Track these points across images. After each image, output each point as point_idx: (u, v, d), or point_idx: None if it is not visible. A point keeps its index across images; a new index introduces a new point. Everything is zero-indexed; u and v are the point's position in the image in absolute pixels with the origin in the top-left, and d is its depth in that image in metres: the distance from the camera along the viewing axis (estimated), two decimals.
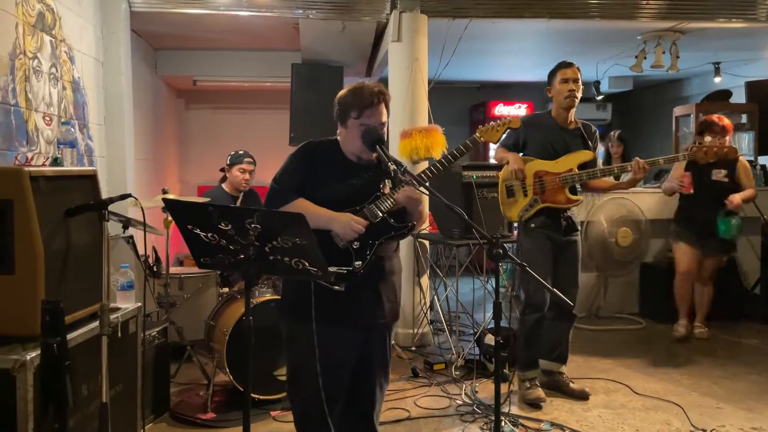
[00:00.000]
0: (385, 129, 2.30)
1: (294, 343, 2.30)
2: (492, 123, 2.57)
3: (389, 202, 2.24)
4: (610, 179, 3.84)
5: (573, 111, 3.73)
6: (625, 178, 3.84)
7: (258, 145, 5.95)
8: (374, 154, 2.27)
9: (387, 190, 2.28)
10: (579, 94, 3.67)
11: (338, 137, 2.35)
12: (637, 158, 3.53)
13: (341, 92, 2.31)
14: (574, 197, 3.65)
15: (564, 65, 3.70)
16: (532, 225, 3.67)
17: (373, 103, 2.22)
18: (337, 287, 2.17)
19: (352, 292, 2.21)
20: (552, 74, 3.74)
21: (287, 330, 2.34)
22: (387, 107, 2.28)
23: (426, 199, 4.90)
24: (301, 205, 2.20)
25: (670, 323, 5.33)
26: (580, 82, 3.68)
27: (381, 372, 2.39)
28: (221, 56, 6.79)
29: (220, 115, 8.02)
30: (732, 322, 5.45)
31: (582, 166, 3.65)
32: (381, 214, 2.23)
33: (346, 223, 2.17)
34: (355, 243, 2.21)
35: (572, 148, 3.67)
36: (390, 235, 2.28)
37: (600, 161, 3.82)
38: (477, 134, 2.53)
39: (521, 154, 3.77)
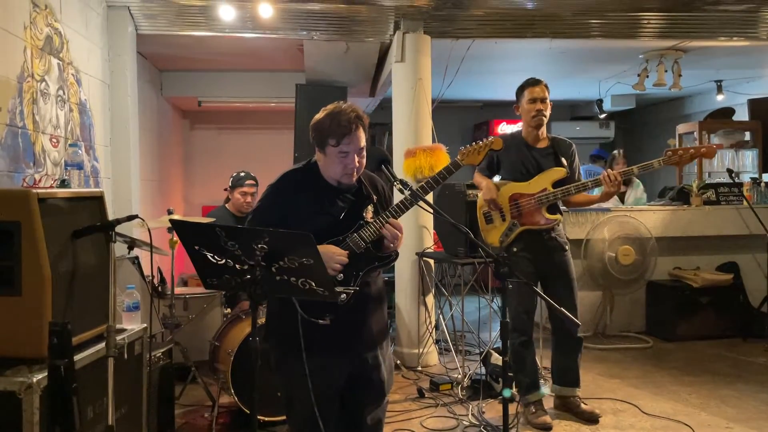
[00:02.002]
0: (365, 151, 2.25)
1: (285, 376, 2.28)
2: (473, 144, 2.40)
3: (372, 231, 2.20)
4: (588, 194, 3.74)
5: (543, 129, 3.68)
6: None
7: (262, 166, 5.97)
8: (354, 179, 2.26)
9: (369, 216, 2.25)
10: (547, 113, 3.63)
11: (317, 161, 2.30)
12: (608, 170, 3.48)
13: (317, 117, 2.24)
14: (552, 216, 3.58)
15: (531, 83, 3.65)
16: (515, 249, 3.60)
17: (351, 130, 2.17)
18: (322, 321, 2.16)
19: (339, 321, 2.19)
20: (519, 92, 3.69)
21: (277, 362, 2.30)
22: (365, 130, 2.23)
23: (430, 219, 4.94)
24: None
25: (677, 342, 5.31)
26: (548, 100, 3.63)
27: (375, 393, 2.37)
28: (226, 77, 6.86)
29: (224, 136, 8.07)
30: (739, 340, 5.42)
31: (559, 183, 3.57)
32: (365, 244, 2.20)
33: (328, 257, 2.10)
34: (340, 275, 2.18)
35: (544, 167, 3.61)
36: (374, 266, 2.27)
37: (580, 175, 3.75)
38: (459, 157, 2.40)
39: (498, 176, 3.73)
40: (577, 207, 3.82)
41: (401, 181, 2.26)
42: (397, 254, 2.28)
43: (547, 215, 3.58)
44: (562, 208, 3.81)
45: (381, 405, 2.40)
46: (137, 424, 2.70)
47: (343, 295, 2.16)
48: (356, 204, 2.28)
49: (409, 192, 2.24)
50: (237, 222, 4.54)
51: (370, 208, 2.28)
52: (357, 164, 2.22)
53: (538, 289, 3.57)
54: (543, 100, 3.60)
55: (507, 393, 2.09)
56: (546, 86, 3.64)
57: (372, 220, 2.23)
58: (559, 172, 3.59)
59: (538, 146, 3.68)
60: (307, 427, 2.20)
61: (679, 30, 5.30)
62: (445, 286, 5.19)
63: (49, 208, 2.15)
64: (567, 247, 3.70)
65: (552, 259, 3.63)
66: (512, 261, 3.53)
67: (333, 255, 2.14)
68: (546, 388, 3.80)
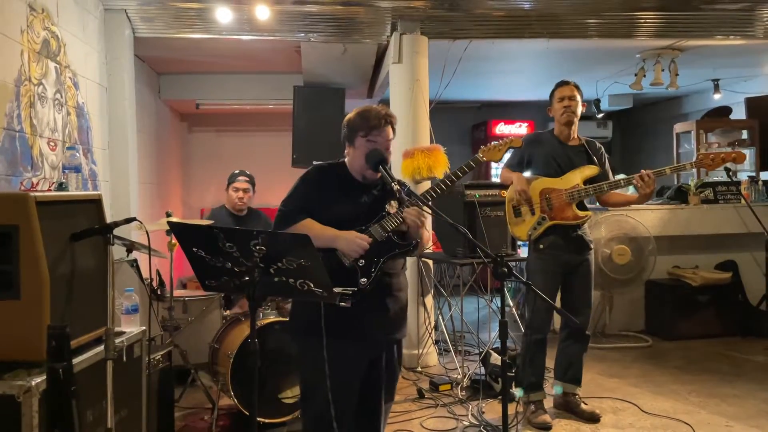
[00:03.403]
0: (391, 149, 2.39)
1: (305, 361, 2.35)
2: (494, 143, 2.65)
3: (395, 222, 2.29)
4: (625, 193, 3.81)
5: (575, 128, 3.74)
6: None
7: (261, 167, 5.99)
8: (378, 174, 2.34)
9: (393, 210, 2.34)
10: (577, 110, 3.69)
11: (345, 158, 2.44)
12: (642, 170, 3.52)
13: (349, 115, 2.42)
14: (582, 213, 3.62)
15: (560, 84, 3.74)
16: (541, 246, 3.63)
17: (381, 124, 2.33)
18: (343, 303, 2.21)
19: (361, 307, 2.25)
20: (551, 95, 3.78)
21: (298, 348, 2.39)
22: (393, 129, 2.38)
23: (429, 219, 4.94)
24: (308, 225, 2.28)
25: (676, 341, 5.31)
26: (577, 98, 3.69)
27: (387, 387, 2.44)
28: (224, 80, 6.85)
29: (223, 138, 8.07)
30: (738, 338, 5.43)
31: (589, 182, 3.62)
32: (386, 233, 2.29)
33: (351, 240, 2.23)
34: (361, 261, 2.27)
35: (576, 164, 3.66)
36: (395, 253, 2.34)
37: (610, 175, 3.79)
38: (479, 154, 2.60)
39: (526, 173, 3.77)
40: (613, 206, 3.93)
41: (399, 182, 2.30)
42: (417, 243, 2.37)
43: (578, 211, 3.61)
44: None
45: (388, 404, 2.48)
46: (137, 427, 2.70)
47: (365, 279, 2.26)
48: (380, 198, 2.37)
49: (435, 185, 2.40)
50: (235, 221, 4.54)
51: (393, 203, 2.36)
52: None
53: (553, 288, 3.63)
54: (571, 98, 3.68)
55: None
56: (575, 86, 3.72)
57: (395, 212, 2.32)
58: (591, 170, 3.66)
59: (570, 144, 3.72)
60: (322, 417, 2.23)
61: (675, 29, 5.31)
62: (444, 287, 5.19)
63: (47, 212, 2.15)
64: (592, 246, 3.74)
65: (577, 256, 3.66)
66: (538, 256, 3.63)
67: (354, 238, 2.23)
68: (553, 392, 3.79)
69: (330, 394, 2.19)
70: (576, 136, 3.76)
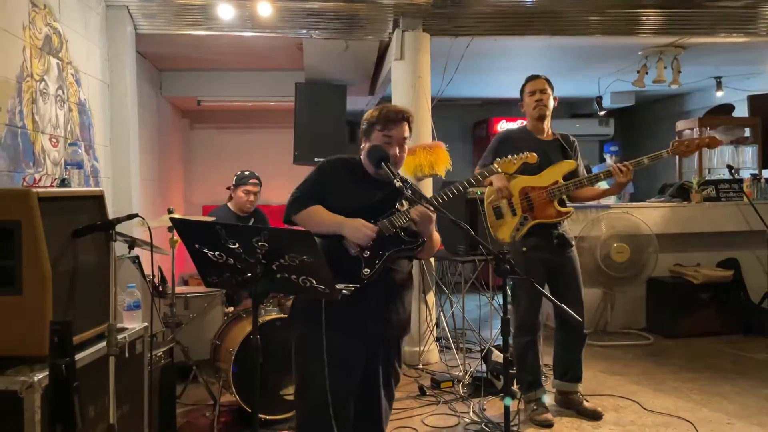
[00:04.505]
0: (406, 146, 2.44)
1: (303, 349, 2.34)
2: (509, 156, 2.73)
3: (404, 218, 2.31)
4: (597, 187, 3.75)
5: (548, 122, 3.71)
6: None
7: (262, 164, 5.98)
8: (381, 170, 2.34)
9: (403, 208, 2.36)
10: (549, 104, 3.66)
11: (361, 154, 2.47)
12: (611, 163, 3.51)
13: (368, 111, 2.47)
14: (564, 209, 3.60)
15: (530, 78, 3.72)
16: (524, 248, 3.59)
17: (398, 119, 2.38)
18: (346, 291, 2.20)
19: (363, 300, 2.25)
20: (521, 90, 3.76)
21: (297, 336, 2.38)
22: (410, 128, 2.43)
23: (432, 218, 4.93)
24: (317, 210, 2.32)
25: (678, 339, 5.31)
26: (548, 92, 3.66)
27: (386, 385, 2.43)
28: (225, 76, 6.85)
29: (224, 135, 8.07)
30: (740, 336, 5.42)
31: (566, 177, 3.59)
32: (394, 229, 2.31)
33: (356, 228, 2.24)
34: (366, 252, 2.28)
35: (553, 159, 3.62)
36: (400, 248, 2.34)
37: (583, 170, 3.77)
38: (494, 165, 2.68)
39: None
40: (584, 201, 3.90)
41: (401, 179, 2.30)
42: (424, 241, 2.39)
43: (559, 208, 3.59)
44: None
45: (389, 402, 2.46)
46: (139, 423, 2.70)
47: (367, 270, 2.27)
48: (392, 195, 2.38)
49: (444, 191, 2.44)
50: (239, 221, 4.53)
51: (405, 202, 2.39)
52: (398, 154, 2.38)
53: (546, 286, 3.63)
54: (542, 92, 3.65)
55: (508, 402, 2.10)
56: (546, 80, 3.69)
57: (404, 210, 2.34)
58: (569, 165, 3.63)
59: (544, 138, 3.69)
60: (318, 409, 2.20)
61: (678, 26, 5.30)
62: (446, 284, 5.19)
63: (49, 208, 2.14)
64: (573, 244, 3.71)
65: (560, 255, 3.64)
66: (522, 259, 3.56)
67: (361, 226, 2.24)
68: (546, 397, 3.78)
69: (327, 383, 2.18)
70: (549, 131, 3.73)
